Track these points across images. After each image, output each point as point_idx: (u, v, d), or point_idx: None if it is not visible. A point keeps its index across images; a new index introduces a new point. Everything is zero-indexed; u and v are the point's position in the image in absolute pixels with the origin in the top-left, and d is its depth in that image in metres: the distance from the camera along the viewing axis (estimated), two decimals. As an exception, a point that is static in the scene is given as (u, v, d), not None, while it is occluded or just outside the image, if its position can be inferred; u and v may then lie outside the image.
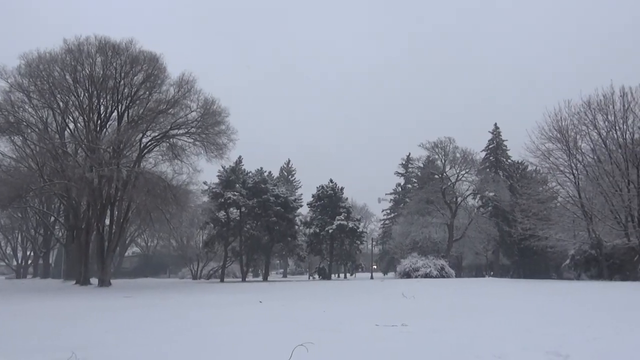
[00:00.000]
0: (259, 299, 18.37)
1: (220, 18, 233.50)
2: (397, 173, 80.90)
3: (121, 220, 39.27)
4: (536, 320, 10.84)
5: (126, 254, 76.81)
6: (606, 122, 36.84)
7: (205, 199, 52.35)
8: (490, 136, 67.79)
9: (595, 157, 38.08)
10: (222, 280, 51.03)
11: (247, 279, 54.32)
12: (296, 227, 56.20)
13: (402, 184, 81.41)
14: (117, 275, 60.91)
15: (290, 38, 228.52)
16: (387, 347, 7.41)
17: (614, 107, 36.21)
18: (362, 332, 8.96)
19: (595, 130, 37.44)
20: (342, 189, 58.01)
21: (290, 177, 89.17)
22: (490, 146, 67.20)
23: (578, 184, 38.36)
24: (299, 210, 59.01)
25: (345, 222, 53.14)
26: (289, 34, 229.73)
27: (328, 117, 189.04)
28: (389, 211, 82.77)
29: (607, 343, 7.61)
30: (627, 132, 36.26)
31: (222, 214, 51.02)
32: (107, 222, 40.07)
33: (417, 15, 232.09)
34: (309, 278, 69.22)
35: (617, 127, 36.40)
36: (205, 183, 50.73)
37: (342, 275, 71.85)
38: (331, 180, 58.05)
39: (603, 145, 37.42)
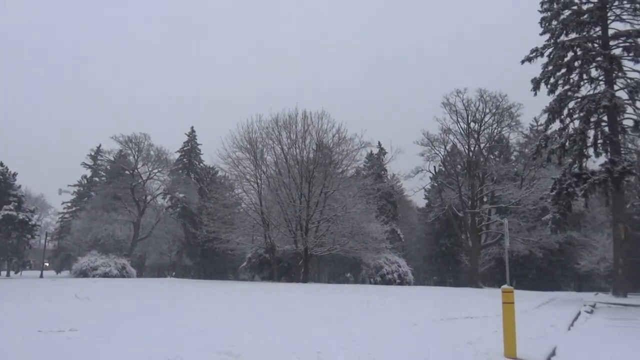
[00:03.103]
0: None
1: None
2: (85, 164, 74.62)
3: None
4: (210, 321, 11.13)
5: None
6: (289, 140, 41.24)
7: None
8: (186, 138, 68.64)
9: (277, 170, 42.07)
10: None
11: None
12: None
13: (88, 176, 75.62)
14: None
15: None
16: (47, 357, 6.51)
17: (296, 127, 40.82)
18: (15, 341, 7.69)
19: (280, 146, 41.54)
20: (14, 174, 50.76)
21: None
22: (185, 148, 67.98)
23: (260, 192, 41.67)
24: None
25: (14, 213, 46.71)
26: None
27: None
28: (70, 204, 75.87)
29: (270, 341, 8.22)
30: (305, 151, 41.28)
31: None
32: None
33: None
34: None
35: (297, 145, 41.09)
36: None
37: (4, 273, 62.48)
38: (1, 164, 50.18)
39: (284, 160, 41.65)
